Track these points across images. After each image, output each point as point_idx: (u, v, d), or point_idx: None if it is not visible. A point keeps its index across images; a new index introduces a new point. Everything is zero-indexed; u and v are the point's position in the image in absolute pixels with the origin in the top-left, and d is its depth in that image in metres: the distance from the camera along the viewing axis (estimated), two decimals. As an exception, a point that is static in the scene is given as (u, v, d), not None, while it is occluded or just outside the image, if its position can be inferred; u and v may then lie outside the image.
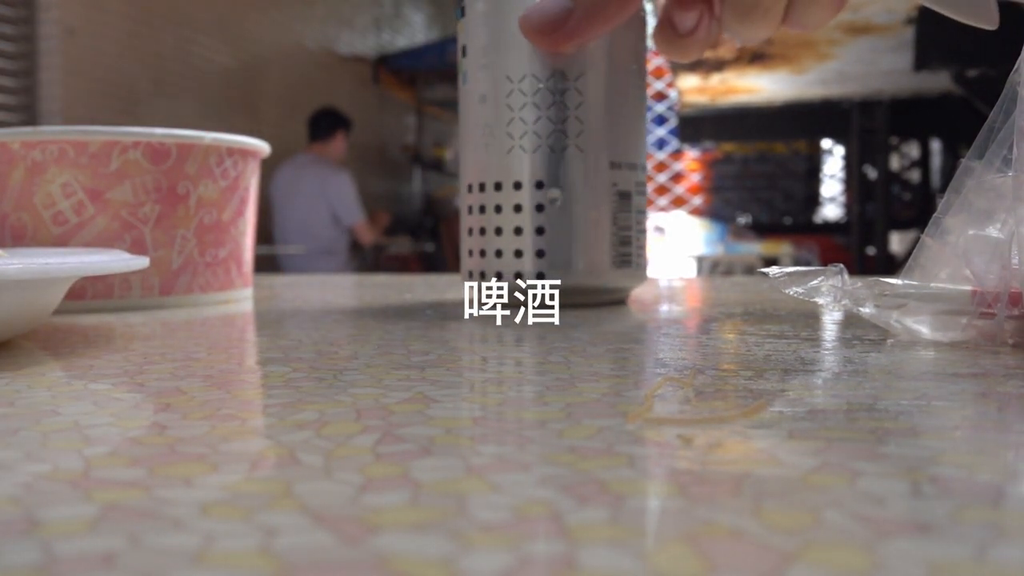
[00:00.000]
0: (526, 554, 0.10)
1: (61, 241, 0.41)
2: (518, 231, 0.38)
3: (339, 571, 0.09)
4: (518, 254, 0.39)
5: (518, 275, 0.39)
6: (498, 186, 0.39)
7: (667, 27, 0.38)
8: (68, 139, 0.41)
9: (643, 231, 0.41)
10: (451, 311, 0.38)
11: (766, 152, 3.52)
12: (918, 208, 2.91)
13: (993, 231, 0.25)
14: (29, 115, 2.37)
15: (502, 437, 0.15)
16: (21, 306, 0.27)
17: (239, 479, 0.13)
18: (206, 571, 0.09)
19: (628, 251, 0.40)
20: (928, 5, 0.30)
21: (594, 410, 0.17)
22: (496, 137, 0.39)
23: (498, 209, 0.39)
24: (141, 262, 0.30)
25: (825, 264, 0.28)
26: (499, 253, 0.39)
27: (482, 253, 0.39)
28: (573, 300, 0.39)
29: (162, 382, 0.21)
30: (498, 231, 0.39)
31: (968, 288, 0.25)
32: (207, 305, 0.44)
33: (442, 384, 0.20)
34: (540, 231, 0.38)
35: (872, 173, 2.67)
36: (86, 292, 0.41)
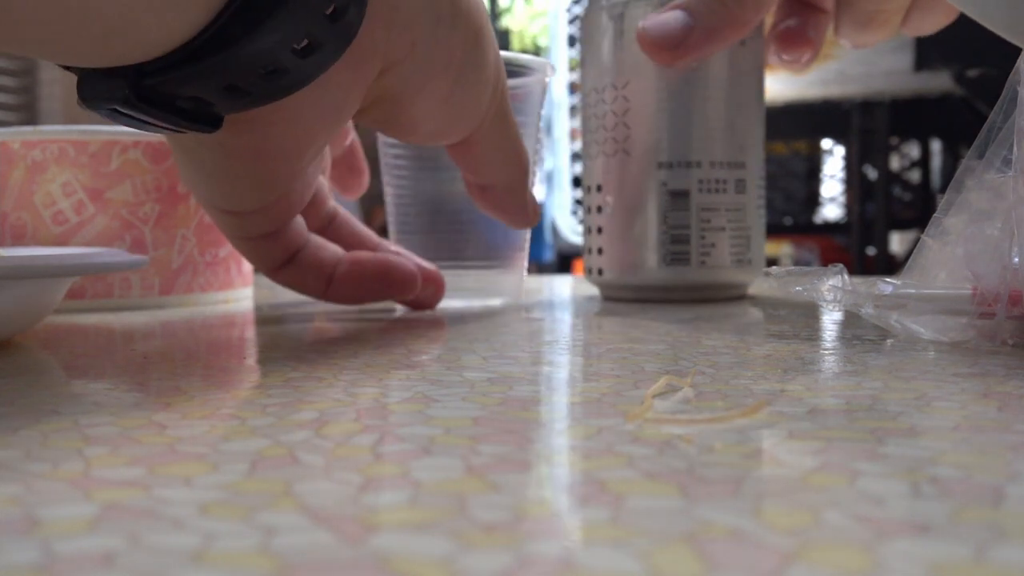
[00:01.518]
0: (526, 554, 0.10)
1: (61, 240, 0.41)
2: (589, 231, 0.43)
3: (339, 571, 0.09)
4: (589, 251, 0.43)
5: (590, 271, 0.43)
6: (588, 189, 0.43)
7: (775, 56, 0.42)
8: (68, 139, 0.40)
9: (720, 228, 0.40)
10: (451, 311, 0.38)
11: (766, 152, 3.51)
12: (918, 208, 2.90)
13: (993, 231, 0.25)
14: (29, 115, 2.37)
15: (502, 437, 0.15)
16: (21, 305, 0.27)
17: (239, 479, 0.13)
18: (206, 571, 0.09)
19: (684, 249, 0.40)
20: (971, 15, 0.30)
21: (594, 410, 0.17)
22: (584, 146, 0.44)
23: (587, 211, 0.44)
24: (141, 261, 0.30)
25: (825, 264, 0.28)
26: (587, 250, 0.44)
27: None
28: (624, 296, 0.43)
29: (162, 382, 0.21)
30: (586, 230, 0.44)
31: (968, 288, 0.25)
32: (207, 304, 0.44)
33: (442, 384, 0.20)
34: (600, 231, 0.42)
35: (872, 173, 2.66)
36: (86, 291, 0.41)
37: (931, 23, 0.41)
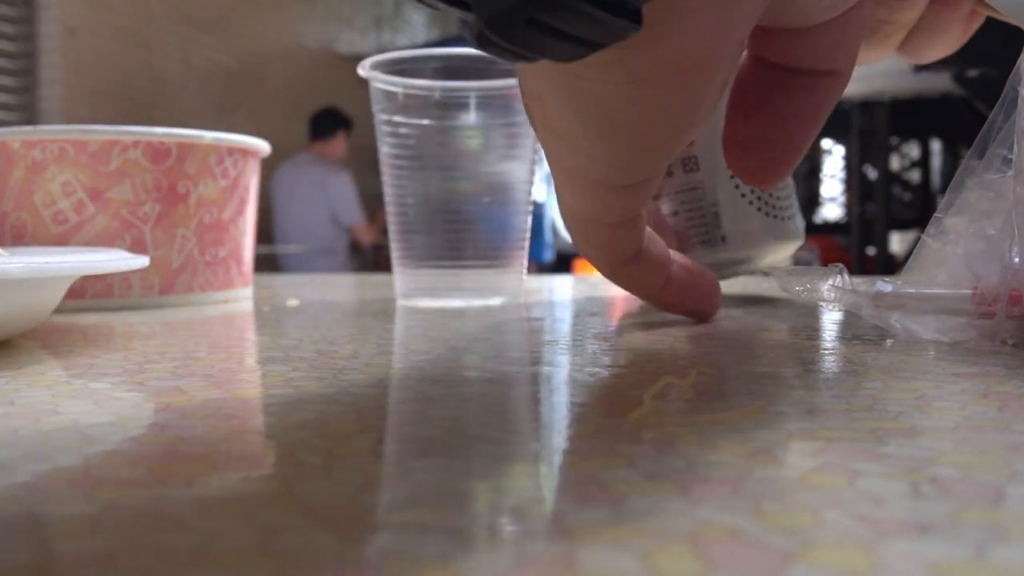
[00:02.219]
0: (526, 554, 0.10)
1: (61, 240, 0.41)
2: None
3: (339, 571, 0.09)
4: None
5: None
6: None
7: None
8: (68, 138, 0.41)
9: (673, 213, 0.39)
10: (451, 310, 0.38)
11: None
12: (918, 208, 2.90)
13: (993, 231, 0.25)
14: (29, 115, 2.37)
15: (502, 437, 0.15)
16: (21, 305, 0.27)
17: (239, 479, 0.13)
18: (206, 571, 0.09)
19: None
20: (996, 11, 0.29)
21: (594, 410, 0.17)
22: None
23: None
24: (141, 261, 0.30)
25: (825, 264, 0.28)
26: None
27: None
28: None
29: (162, 382, 0.21)
30: None
31: (968, 288, 0.25)
32: (207, 304, 0.44)
33: (442, 384, 0.20)
34: None
35: (872, 173, 2.66)
36: (86, 291, 0.41)
37: (932, 51, 0.38)
